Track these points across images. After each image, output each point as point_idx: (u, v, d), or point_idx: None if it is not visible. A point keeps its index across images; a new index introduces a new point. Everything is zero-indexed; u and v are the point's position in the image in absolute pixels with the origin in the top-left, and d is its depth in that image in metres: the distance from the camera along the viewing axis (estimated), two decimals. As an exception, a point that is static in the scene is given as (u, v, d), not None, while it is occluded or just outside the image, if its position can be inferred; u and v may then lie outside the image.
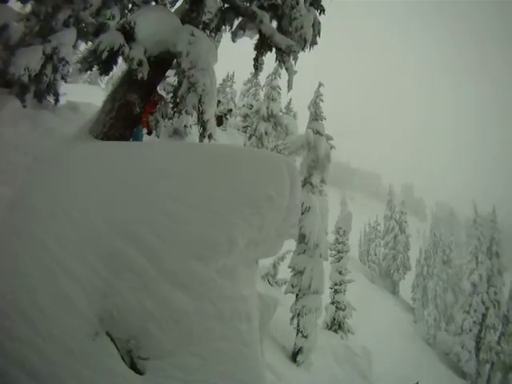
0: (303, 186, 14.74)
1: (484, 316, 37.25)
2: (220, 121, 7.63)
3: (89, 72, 6.42)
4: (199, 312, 3.61)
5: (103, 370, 3.24)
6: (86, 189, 4.24)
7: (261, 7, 7.33)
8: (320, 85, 16.51)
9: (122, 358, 3.42)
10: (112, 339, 3.43)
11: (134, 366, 3.44)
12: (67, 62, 9.06)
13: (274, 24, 7.72)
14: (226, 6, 7.69)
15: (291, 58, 7.56)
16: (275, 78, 23.15)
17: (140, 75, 5.74)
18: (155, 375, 3.43)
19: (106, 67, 5.93)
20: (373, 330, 28.53)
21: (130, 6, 9.39)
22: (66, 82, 10.01)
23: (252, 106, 25.93)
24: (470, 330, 36.88)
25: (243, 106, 29.09)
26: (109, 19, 9.29)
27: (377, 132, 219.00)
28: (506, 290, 38.72)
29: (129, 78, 6.04)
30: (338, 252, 19.45)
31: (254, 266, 4.96)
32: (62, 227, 3.78)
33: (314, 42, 7.98)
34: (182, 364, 3.52)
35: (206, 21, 7.37)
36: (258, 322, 4.35)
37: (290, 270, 14.95)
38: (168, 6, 7.71)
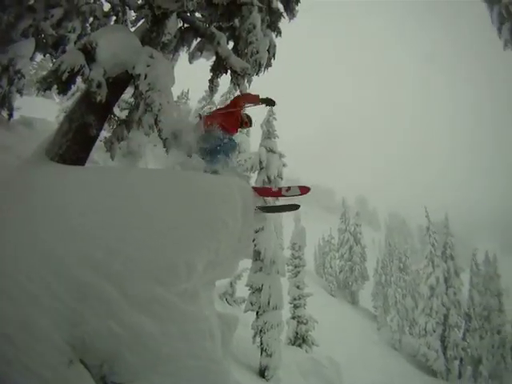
0: None
1: (446, 316, 38.96)
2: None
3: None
4: (165, 334, 3.68)
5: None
6: (48, 218, 4.20)
7: (219, 29, 7.49)
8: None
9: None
10: (86, 366, 3.47)
11: None
12: (23, 75, 8.86)
13: (231, 45, 7.90)
14: (185, 26, 7.76)
15: (245, 80, 7.68)
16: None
17: (99, 98, 5.66)
18: None
19: (64, 87, 5.78)
20: (338, 341, 28.83)
21: (92, 19, 9.23)
22: (21, 95, 9.73)
23: None
24: (434, 331, 38.35)
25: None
26: (69, 32, 9.12)
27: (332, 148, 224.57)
28: (465, 290, 40.58)
29: (87, 99, 5.93)
30: (295, 267, 19.71)
31: (211, 287, 5.11)
32: (28, 260, 3.73)
33: (268, 65, 8.29)
34: None
35: (166, 41, 7.36)
36: (220, 341, 4.43)
37: (248, 288, 14.93)
38: (129, 24, 7.67)
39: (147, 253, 3.96)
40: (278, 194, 6.82)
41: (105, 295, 3.60)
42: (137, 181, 4.97)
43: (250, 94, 7.27)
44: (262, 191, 6.75)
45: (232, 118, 6.79)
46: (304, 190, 6.35)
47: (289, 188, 6.45)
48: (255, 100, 7.05)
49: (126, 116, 7.33)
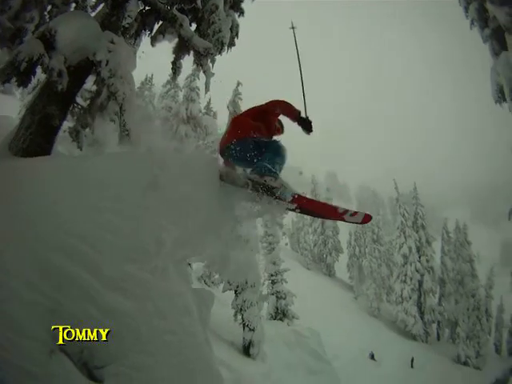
0: None
1: (420, 282, 40.43)
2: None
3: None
4: (141, 311, 3.76)
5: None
6: (20, 210, 4.14)
7: (181, 11, 7.34)
8: (239, 84, 16.61)
9: (81, 371, 3.47)
10: (67, 354, 3.46)
11: (92, 377, 3.50)
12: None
13: (193, 27, 7.77)
14: (146, 8, 7.55)
15: (209, 60, 7.63)
16: (194, 79, 22.97)
17: (60, 87, 5.53)
18: (113, 381, 3.51)
19: (24, 79, 5.59)
20: (318, 312, 29.22)
21: (50, 7, 8.95)
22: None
23: (171, 108, 25.56)
24: (410, 297, 39.70)
25: (162, 108, 28.63)
26: (28, 22, 8.82)
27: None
28: (437, 257, 42.23)
29: (48, 89, 5.80)
30: (269, 244, 19.69)
31: (184, 264, 5.25)
32: (3, 253, 3.68)
33: (231, 44, 8.17)
34: (136, 364, 3.63)
35: (126, 25, 7.14)
36: (197, 316, 4.52)
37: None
38: (89, 9, 7.48)
39: (118, 234, 4.00)
40: (340, 217, 5.81)
41: (79, 280, 3.62)
42: (103, 166, 4.92)
43: (290, 105, 6.12)
44: (323, 209, 6.21)
45: (265, 123, 6.03)
46: (367, 218, 5.57)
47: (355, 213, 5.61)
48: (294, 115, 5.94)
49: (88, 104, 7.18)
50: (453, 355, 37.81)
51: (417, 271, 40.96)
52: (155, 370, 3.69)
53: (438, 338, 43.58)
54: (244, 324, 14.51)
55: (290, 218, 62.15)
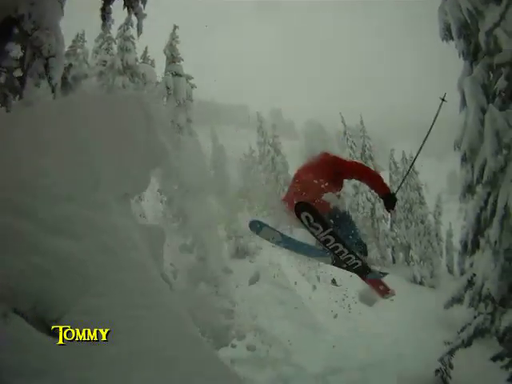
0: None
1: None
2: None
3: None
4: (85, 251, 3.52)
5: (26, 349, 3.17)
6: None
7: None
8: (175, 27, 16.19)
9: (40, 329, 3.11)
10: (21, 314, 3.08)
11: (50, 332, 3.41)
12: None
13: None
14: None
15: (140, 1, 7.38)
16: (127, 28, 22.05)
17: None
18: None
19: None
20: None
21: None
22: None
23: (106, 61, 24.59)
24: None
25: (96, 64, 27.36)
26: None
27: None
28: (386, 186, 42.08)
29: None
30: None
31: (127, 200, 4.94)
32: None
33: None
34: (90, 308, 3.42)
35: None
36: (147, 252, 4.37)
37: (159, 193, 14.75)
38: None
39: (54, 177, 3.71)
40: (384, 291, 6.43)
41: (18, 232, 3.27)
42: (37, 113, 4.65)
43: (382, 180, 6.09)
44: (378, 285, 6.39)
45: (334, 184, 5.90)
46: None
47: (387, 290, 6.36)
48: (384, 191, 5.97)
49: (15, 67, 6.83)
50: (409, 276, 39.80)
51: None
52: (108, 311, 3.43)
53: (394, 261, 45.81)
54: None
55: (238, 157, 62.23)
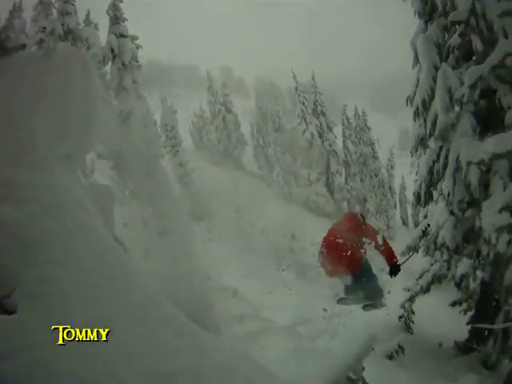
0: (117, 94, 14.28)
1: (327, 165, 42.68)
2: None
3: None
4: (28, 215, 3.34)
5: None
6: None
7: None
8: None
9: None
10: None
11: (6, 310, 3.29)
12: None
13: None
14: None
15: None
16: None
17: None
18: (23, 307, 3.25)
19: None
20: (236, 201, 29.79)
21: None
22: None
23: (45, 28, 23.28)
24: (318, 180, 41.93)
25: (36, 32, 25.86)
26: None
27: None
28: (339, 141, 44.34)
29: None
30: (172, 147, 19.28)
31: (70, 161, 4.52)
32: None
33: None
34: (41, 277, 3.19)
35: None
36: (97, 213, 4.19)
37: None
38: None
39: None
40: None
41: None
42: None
43: (393, 252, 8.42)
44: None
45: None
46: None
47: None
48: (392, 260, 8.30)
49: None
50: (365, 228, 40.70)
51: (321, 155, 42.94)
52: (61, 280, 3.22)
53: (349, 212, 46.86)
54: None
55: (190, 117, 61.41)
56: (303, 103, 42.39)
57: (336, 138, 44.11)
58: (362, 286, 8.13)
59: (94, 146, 5.12)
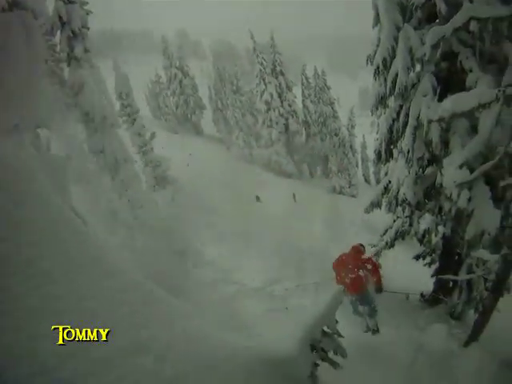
0: (69, 64, 13.81)
1: (286, 125, 42.65)
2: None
3: None
4: None
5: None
6: None
7: None
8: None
9: None
10: None
11: None
12: None
13: None
14: None
15: None
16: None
17: None
18: None
19: None
20: (197, 170, 29.71)
21: None
22: None
23: None
24: (279, 140, 42.06)
25: None
26: None
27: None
28: (299, 101, 44.21)
29: None
30: (129, 116, 18.76)
31: (19, 132, 4.35)
32: None
33: None
34: None
35: None
36: (51, 184, 4.03)
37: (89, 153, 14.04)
38: None
39: None
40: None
41: None
42: None
43: (381, 280, 10.22)
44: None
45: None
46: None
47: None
48: (380, 286, 10.27)
49: None
50: (328, 187, 41.70)
51: (281, 116, 42.82)
52: (14, 255, 3.04)
53: (312, 175, 47.87)
54: (133, 207, 14.26)
55: (145, 83, 60.03)
56: (261, 64, 41.84)
57: (295, 97, 43.96)
58: (365, 302, 10.06)
59: (44, 119, 4.85)
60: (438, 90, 9.91)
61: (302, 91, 45.71)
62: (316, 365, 6.20)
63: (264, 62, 41.87)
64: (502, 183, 7.63)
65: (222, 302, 9.99)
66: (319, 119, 44.73)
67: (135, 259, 10.86)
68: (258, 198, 29.24)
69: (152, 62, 73.88)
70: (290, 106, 42.89)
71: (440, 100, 9.02)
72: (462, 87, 9.11)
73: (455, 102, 7.34)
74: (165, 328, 3.82)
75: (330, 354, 6.17)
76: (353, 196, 41.66)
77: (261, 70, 41.93)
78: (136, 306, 3.71)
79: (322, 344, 6.02)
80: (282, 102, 42.46)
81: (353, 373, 7.08)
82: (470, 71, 9.46)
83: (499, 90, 6.45)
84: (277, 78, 42.39)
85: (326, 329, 6.02)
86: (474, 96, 7.08)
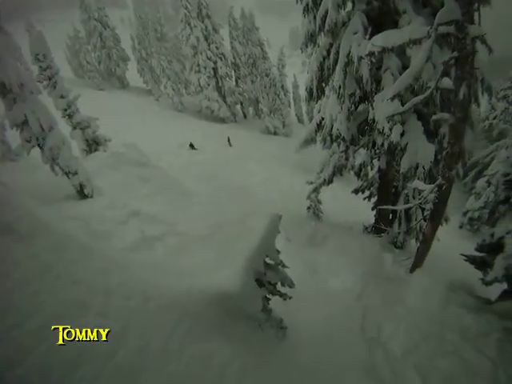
0: None
1: (215, 69, 41.94)
2: None
3: None
4: None
5: None
6: None
7: None
8: None
9: None
10: None
11: None
12: None
13: None
14: None
15: None
16: None
17: None
18: None
19: None
20: (125, 126, 29.19)
21: None
22: None
23: None
24: (209, 85, 41.30)
25: None
26: None
27: None
28: (227, 44, 43.11)
29: None
30: (49, 78, 17.59)
31: None
32: None
33: None
34: None
35: None
36: None
37: (15, 128, 13.20)
38: None
39: None
40: None
41: None
42: None
43: None
44: None
45: None
46: None
47: None
48: None
49: None
50: (262, 128, 42.00)
51: (209, 59, 41.92)
52: None
53: (245, 117, 47.57)
54: (65, 172, 13.63)
55: (63, 44, 56.76)
56: (186, 7, 40.30)
57: (223, 39, 42.85)
58: None
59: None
60: (369, 31, 10.00)
61: (230, 33, 44.67)
62: (267, 298, 6.41)
63: (189, 6, 40.32)
64: (434, 117, 7.89)
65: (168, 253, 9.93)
66: (248, 61, 44.14)
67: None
68: (192, 146, 28.93)
69: (69, 17, 69.50)
70: (217, 48, 41.78)
71: (371, 38, 9.04)
72: (393, 28, 9.21)
73: (386, 38, 7.42)
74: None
75: (278, 286, 6.36)
76: (287, 135, 42.07)
77: (186, 15, 40.34)
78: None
79: (267, 277, 6.17)
80: (209, 45, 41.32)
81: (305, 303, 7.38)
82: (404, 12, 9.57)
83: (431, 28, 6.56)
84: (203, 21, 41.02)
85: (268, 260, 6.14)
86: (405, 32, 7.20)
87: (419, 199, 9.45)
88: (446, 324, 7.57)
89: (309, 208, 15.49)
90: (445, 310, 8.01)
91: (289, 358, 6.23)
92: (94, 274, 4.93)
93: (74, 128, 17.66)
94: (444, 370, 6.54)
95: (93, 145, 18.28)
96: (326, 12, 10.53)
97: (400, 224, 12.79)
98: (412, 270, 9.88)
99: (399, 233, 12.73)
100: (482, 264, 8.68)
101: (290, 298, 6.40)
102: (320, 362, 6.42)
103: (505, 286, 8.35)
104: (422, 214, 11.83)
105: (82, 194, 13.45)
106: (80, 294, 4.50)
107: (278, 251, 6.15)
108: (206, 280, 6.35)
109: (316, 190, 14.51)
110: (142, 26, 49.22)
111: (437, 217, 8.99)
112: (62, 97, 16.71)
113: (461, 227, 25.94)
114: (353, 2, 10.57)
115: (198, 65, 41.64)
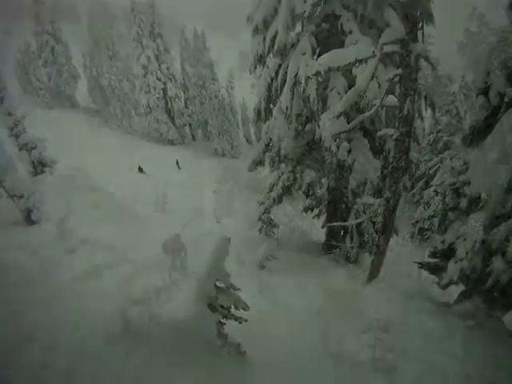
0: None
1: (164, 90, 41.96)
2: None
3: None
4: None
5: None
6: None
7: None
8: None
9: None
10: None
11: None
12: None
13: None
14: None
15: None
16: None
17: None
18: None
19: None
20: (75, 146, 28.63)
21: None
22: None
23: None
24: (158, 106, 41.34)
25: None
26: None
27: None
28: (177, 64, 43.34)
29: None
30: None
31: None
32: None
33: None
34: None
35: None
36: None
37: None
38: None
39: None
40: None
41: None
42: None
43: None
44: None
45: None
46: None
47: None
48: None
49: None
50: (211, 151, 42.11)
51: (159, 80, 41.83)
52: None
53: (194, 139, 47.37)
54: (11, 196, 13.02)
55: (12, 56, 55.04)
56: (139, 25, 40.01)
57: (174, 59, 42.76)
58: None
59: None
60: (318, 50, 10.27)
61: (181, 54, 44.63)
62: (222, 323, 6.29)
63: (142, 24, 40.08)
64: (379, 133, 8.12)
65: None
66: (198, 82, 44.14)
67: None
68: (140, 170, 28.67)
69: (21, 30, 67.17)
70: (167, 68, 41.61)
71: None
72: (340, 47, 9.49)
73: (332, 57, 7.61)
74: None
75: (232, 310, 6.25)
76: (235, 157, 42.19)
77: (138, 33, 40.09)
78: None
79: (219, 301, 6.06)
80: (159, 65, 41.12)
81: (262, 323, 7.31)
82: (350, 33, 9.89)
83: (376, 47, 6.79)
84: (155, 40, 40.91)
85: (219, 284, 6.04)
86: (351, 52, 7.43)
87: (369, 213, 9.67)
88: (409, 331, 7.67)
89: (260, 230, 15.31)
90: (405, 318, 8.14)
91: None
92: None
93: (21, 149, 16.81)
94: (413, 378, 6.60)
95: (39, 166, 17.37)
96: (276, 33, 10.74)
97: (352, 239, 13.00)
98: (368, 281, 10.03)
99: (352, 247, 12.92)
100: (436, 269, 9.19)
101: (246, 320, 6.25)
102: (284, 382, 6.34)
103: (461, 288, 8.76)
104: (374, 227, 12.09)
105: (29, 219, 12.89)
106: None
107: (228, 274, 6.07)
108: (159, 307, 6.22)
109: (266, 211, 14.50)
110: (94, 43, 47.86)
111: (387, 229, 9.22)
112: (8, 114, 15.97)
113: (412, 237, 26.48)
114: (302, 24, 10.83)
115: (148, 85, 41.28)
